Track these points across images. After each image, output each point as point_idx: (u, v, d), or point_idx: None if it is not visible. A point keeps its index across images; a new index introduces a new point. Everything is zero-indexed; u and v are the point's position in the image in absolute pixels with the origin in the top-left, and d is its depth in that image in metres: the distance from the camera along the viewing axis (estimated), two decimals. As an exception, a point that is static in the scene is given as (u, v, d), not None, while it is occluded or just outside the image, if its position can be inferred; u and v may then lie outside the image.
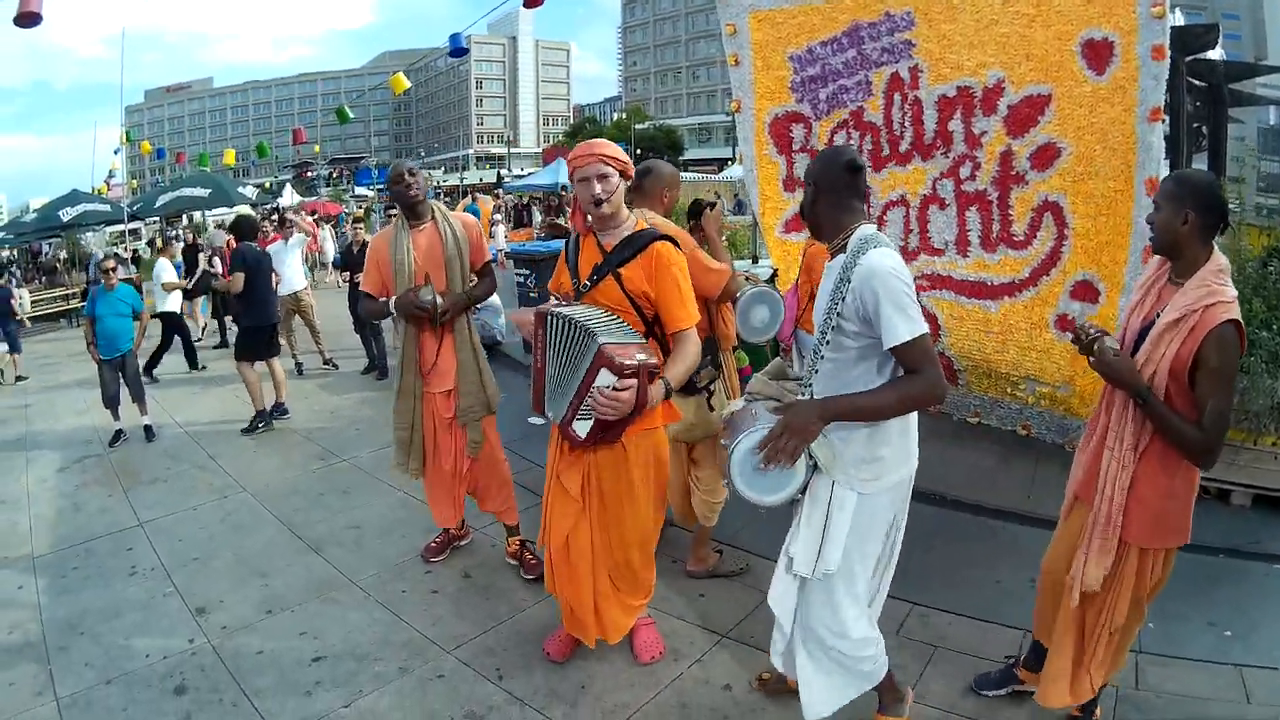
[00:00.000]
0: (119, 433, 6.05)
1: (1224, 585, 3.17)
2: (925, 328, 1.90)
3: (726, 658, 2.82)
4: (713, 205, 3.19)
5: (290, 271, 7.66)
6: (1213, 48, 7.31)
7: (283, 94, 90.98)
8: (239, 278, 6.05)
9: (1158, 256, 2.12)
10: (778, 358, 3.14)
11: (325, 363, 7.91)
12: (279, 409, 6.22)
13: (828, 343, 2.02)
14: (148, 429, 6.12)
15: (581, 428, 2.35)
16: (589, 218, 2.44)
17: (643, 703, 2.59)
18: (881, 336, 1.91)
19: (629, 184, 2.56)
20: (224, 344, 9.43)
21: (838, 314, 1.97)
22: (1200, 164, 7.37)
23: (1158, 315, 2.02)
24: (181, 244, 11.90)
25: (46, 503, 5.16)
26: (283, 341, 7.03)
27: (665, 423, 2.55)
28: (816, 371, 2.08)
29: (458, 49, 10.33)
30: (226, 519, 4.49)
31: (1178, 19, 7.91)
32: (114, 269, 6.19)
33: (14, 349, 9.13)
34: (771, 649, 2.30)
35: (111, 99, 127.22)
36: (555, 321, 2.36)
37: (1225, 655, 2.73)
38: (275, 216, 12.90)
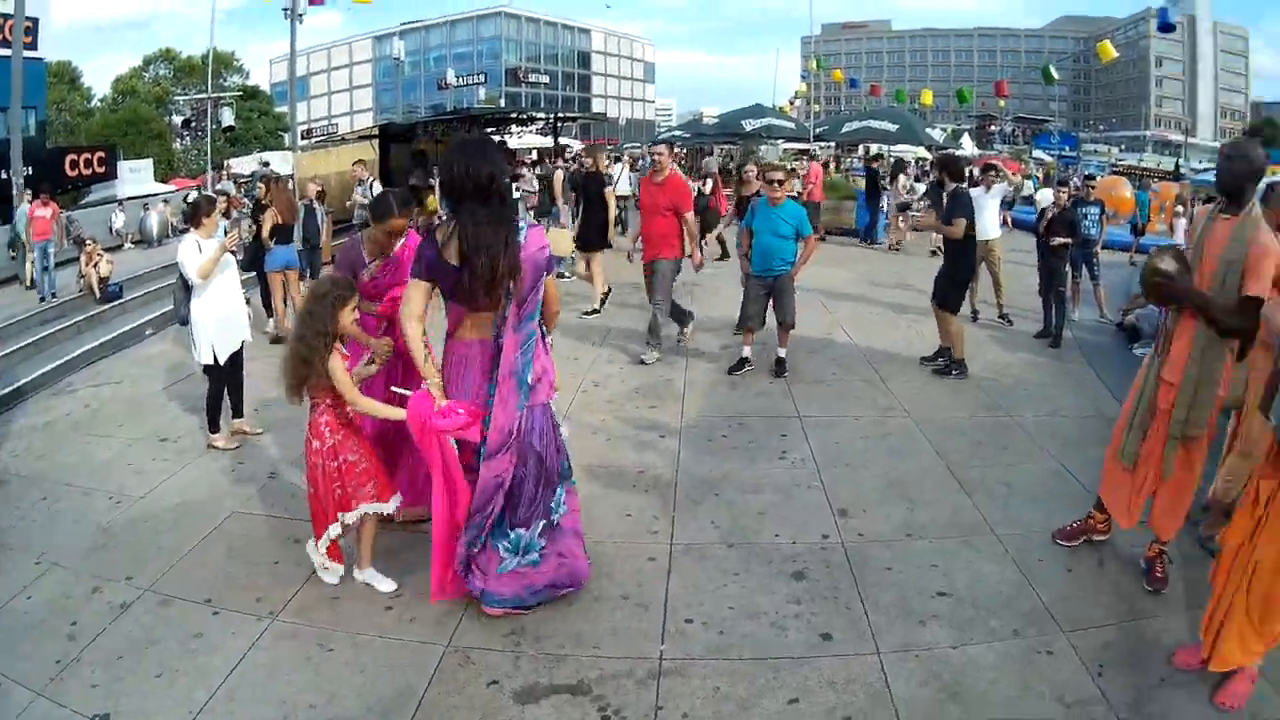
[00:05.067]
0: (743, 360, 5.78)
1: None
2: None
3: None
4: None
5: (987, 220, 7.42)
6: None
7: (960, 45, 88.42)
8: (960, 224, 5.64)
9: None
10: None
11: (1000, 317, 7.63)
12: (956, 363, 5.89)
13: None
14: (780, 362, 5.77)
15: None
16: None
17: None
18: None
19: None
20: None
21: None
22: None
23: None
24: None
25: (701, 374, 5.64)
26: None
27: None
28: None
29: (1166, 24, 9.37)
30: (886, 437, 4.57)
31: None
32: (782, 182, 5.69)
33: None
34: None
35: (780, 30, 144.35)
36: None
37: None
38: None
